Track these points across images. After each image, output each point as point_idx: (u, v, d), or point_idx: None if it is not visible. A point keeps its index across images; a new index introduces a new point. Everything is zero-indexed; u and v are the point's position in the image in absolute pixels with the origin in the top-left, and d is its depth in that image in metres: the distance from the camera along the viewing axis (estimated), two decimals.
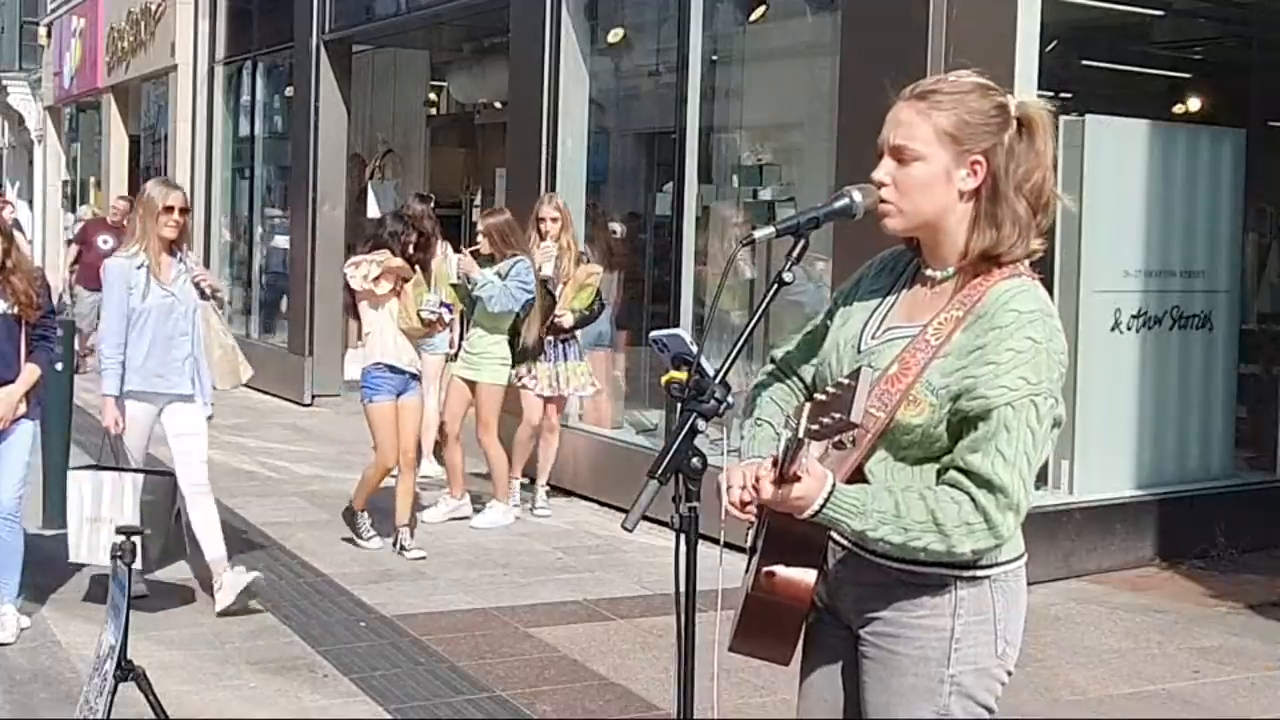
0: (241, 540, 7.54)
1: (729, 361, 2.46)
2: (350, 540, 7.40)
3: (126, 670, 3.95)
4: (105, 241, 14.17)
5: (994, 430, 2.29)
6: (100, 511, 5.90)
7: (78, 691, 4.47)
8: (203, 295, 6.24)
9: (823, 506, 2.29)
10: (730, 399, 2.43)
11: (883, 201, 2.43)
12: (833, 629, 2.56)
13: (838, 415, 2.23)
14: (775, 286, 2.50)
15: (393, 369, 7.15)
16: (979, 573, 2.40)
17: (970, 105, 2.39)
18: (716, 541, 2.50)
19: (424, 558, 7.14)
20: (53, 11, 24.19)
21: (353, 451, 10.46)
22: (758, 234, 2.52)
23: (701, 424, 2.37)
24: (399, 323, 7.18)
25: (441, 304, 7.55)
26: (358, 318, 7.46)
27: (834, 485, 2.30)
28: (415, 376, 7.29)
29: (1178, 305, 7.65)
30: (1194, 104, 10.02)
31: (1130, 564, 7.25)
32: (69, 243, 16.93)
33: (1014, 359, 2.30)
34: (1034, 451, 2.30)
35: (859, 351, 2.49)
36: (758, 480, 2.32)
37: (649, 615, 6.21)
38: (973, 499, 2.29)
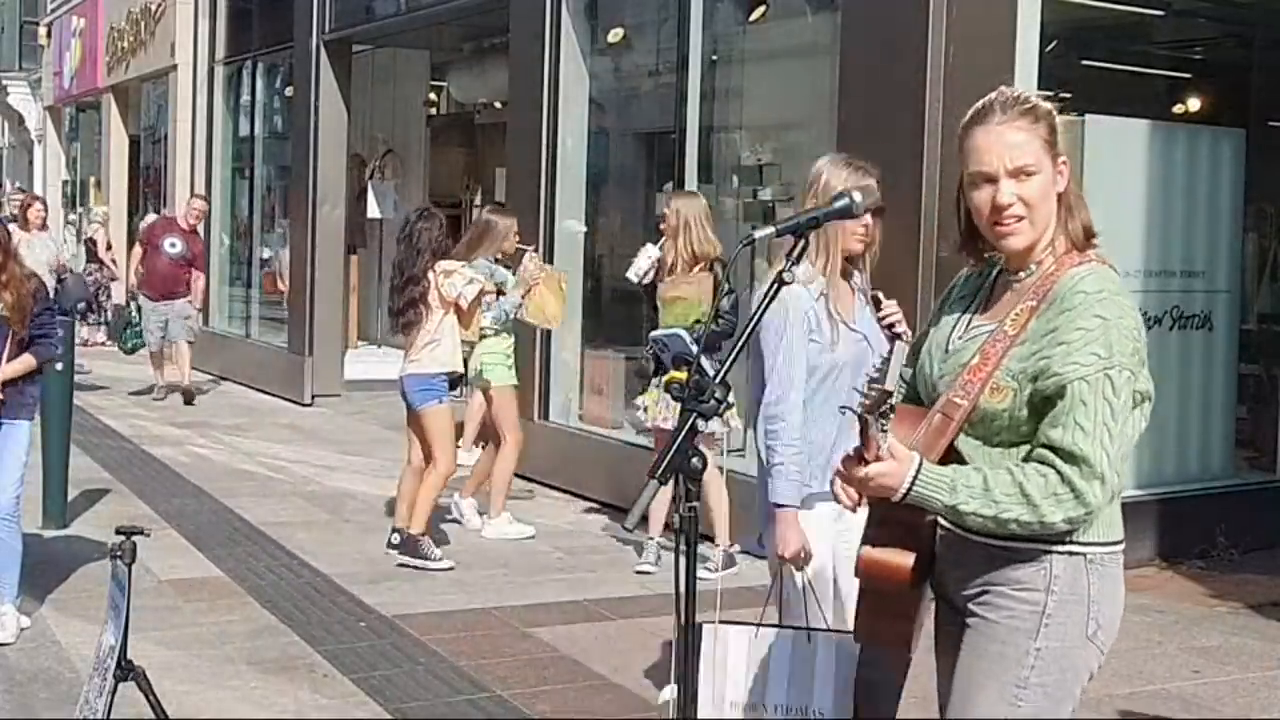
0: (242, 540, 7.56)
1: (729, 361, 2.47)
2: (407, 564, 6.94)
3: (126, 670, 3.95)
4: (173, 245, 12.64)
5: (1071, 405, 2.39)
6: (764, 693, 3.49)
7: (78, 691, 4.47)
8: (895, 338, 3.94)
9: (912, 485, 2.40)
10: (730, 399, 2.45)
11: (1011, 220, 2.50)
12: (949, 618, 2.66)
13: (877, 388, 2.36)
14: (775, 286, 2.52)
15: (447, 375, 7.03)
16: (1075, 549, 2.49)
17: (1044, 111, 2.57)
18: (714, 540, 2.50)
19: (453, 567, 6.98)
20: (53, 11, 24.20)
21: (353, 451, 10.48)
22: (758, 234, 2.55)
23: (701, 424, 2.38)
24: (458, 331, 7.04)
25: (651, 335, 7.19)
26: (408, 324, 7.03)
27: (920, 464, 2.41)
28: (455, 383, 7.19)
29: (1178, 305, 7.65)
30: (1194, 104, 10.01)
31: (1130, 564, 7.17)
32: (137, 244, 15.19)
33: (1084, 337, 2.41)
34: (1114, 423, 2.40)
35: (947, 351, 2.62)
36: (842, 466, 2.46)
37: (649, 615, 6.20)
38: (1058, 471, 2.39)
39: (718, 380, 2.40)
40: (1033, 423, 2.46)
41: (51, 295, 11.62)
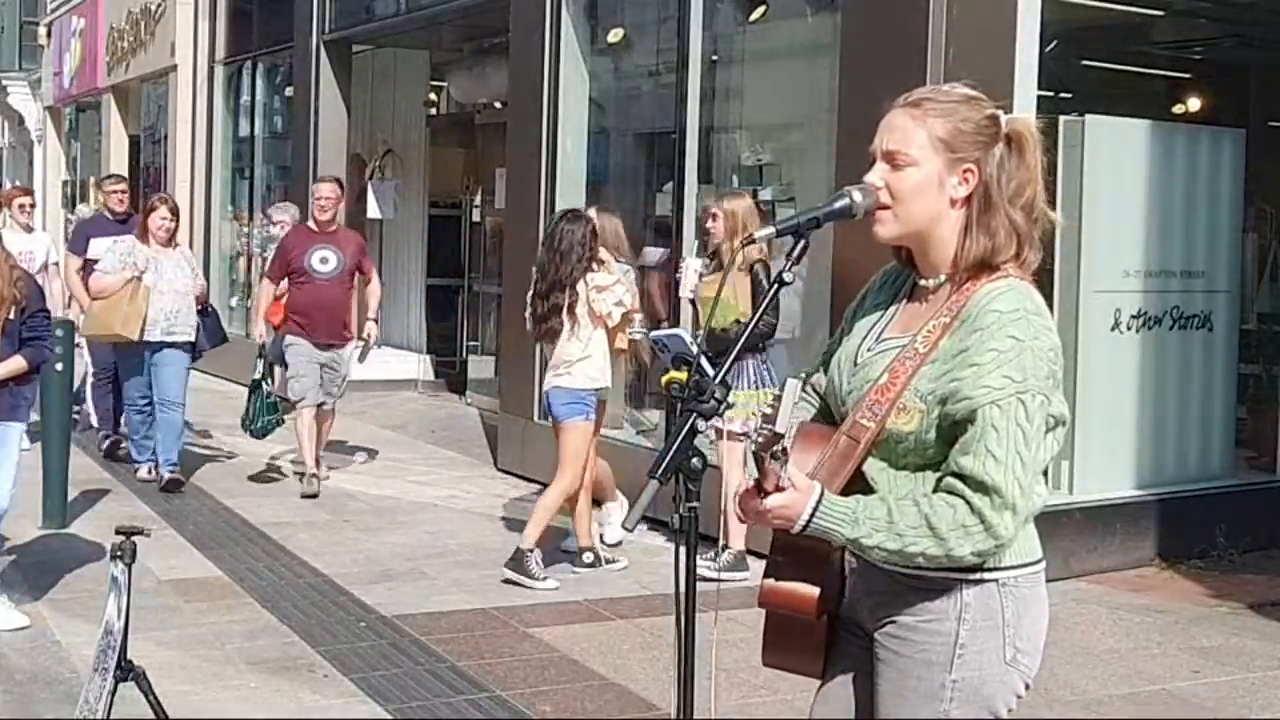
0: (242, 540, 7.56)
1: (729, 362, 2.47)
2: (516, 583, 6.68)
3: (126, 670, 3.95)
4: (324, 261, 8.89)
5: (982, 431, 2.29)
6: None
7: (78, 691, 4.47)
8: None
9: (812, 517, 2.31)
10: (730, 399, 2.44)
11: (876, 207, 2.44)
12: (853, 638, 2.57)
13: (768, 428, 2.26)
14: (775, 286, 2.52)
15: (596, 392, 6.78)
16: (986, 576, 2.40)
17: (963, 114, 2.42)
18: (716, 541, 2.50)
19: (624, 565, 6.97)
20: (53, 11, 24.20)
21: (353, 451, 10.47)
22: (758, 234, 2.54)
23: (701, 424, 2.38)
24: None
25: (651, 335, 6.92)
26: (551, 332, 6.82)
27: (822, 495, 2.32)
28: None
29: (1178, 305, 7.65)
30: (1194, 104, 10.01)
31: (1130, 564, 7.24)
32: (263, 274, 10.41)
33: (997, 359, 2.30)
34: (1027, 450, 2.29)
35: (855, 364, 2.52)
36: (743, 497, 2.36)
37: (649, 615, 6.21)
38: (967, 502, 2.29)
39: (717, 380, 2.39)
40: (940, 446, 2.35)
41: (194, 332, 8.68)
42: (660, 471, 2.32)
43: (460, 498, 8.91)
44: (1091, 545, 7.10)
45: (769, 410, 2.32)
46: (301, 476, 8.92)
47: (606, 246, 7.08)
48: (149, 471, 8.84)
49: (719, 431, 6.65)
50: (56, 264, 10.11)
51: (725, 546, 6.70)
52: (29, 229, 10.36)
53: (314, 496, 8.65)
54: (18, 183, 21.60)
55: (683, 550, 2.40)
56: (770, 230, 2.52)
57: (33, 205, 10.55)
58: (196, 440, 10.52)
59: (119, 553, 3.96)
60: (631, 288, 6.95)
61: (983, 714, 2.42)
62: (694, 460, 2.36)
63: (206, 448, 10.31)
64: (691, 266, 7.10)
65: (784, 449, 2.29)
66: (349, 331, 9.10)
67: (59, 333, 6.95)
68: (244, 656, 5.55)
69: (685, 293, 7.09)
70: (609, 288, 6.71)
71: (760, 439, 2.27)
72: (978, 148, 2.41)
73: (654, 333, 6.89)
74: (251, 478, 9.31)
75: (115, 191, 10.13)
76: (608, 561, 7.02)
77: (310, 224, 9.13)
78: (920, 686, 2.42)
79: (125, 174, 14.36)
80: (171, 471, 8.67)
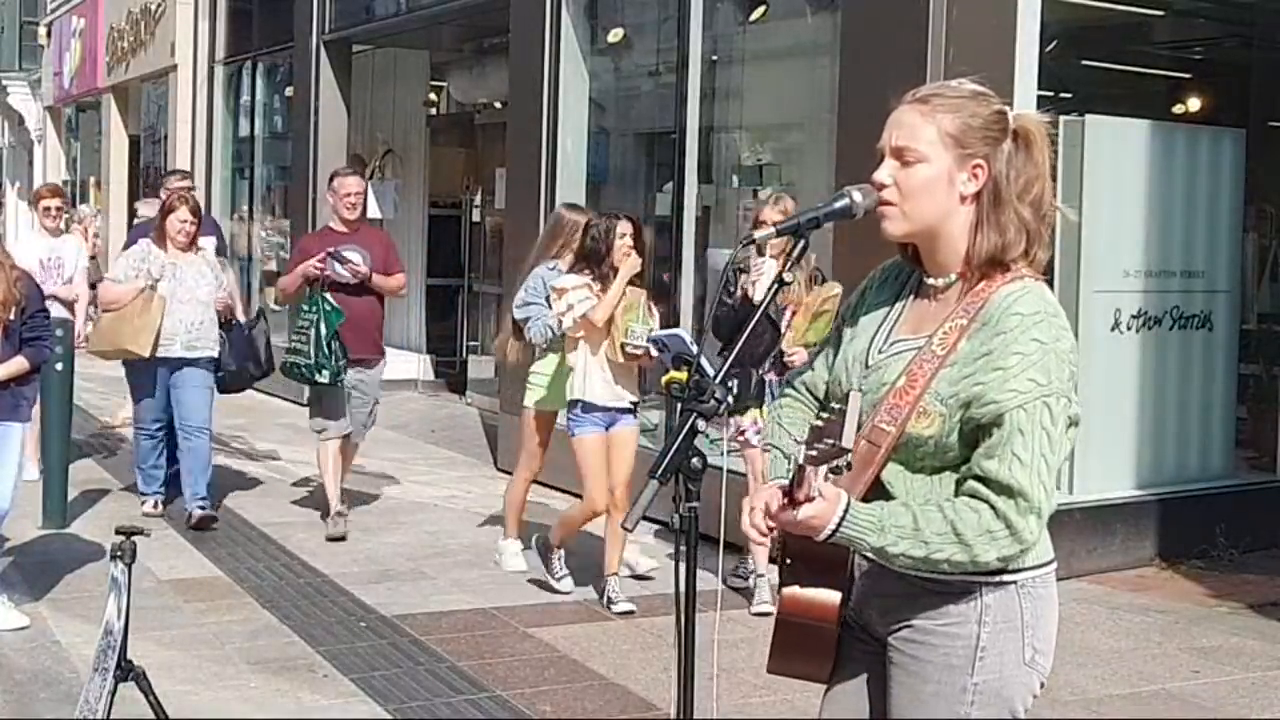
0: (242, 540, 7.55)
1: (729, 362, 2.47)
2: (542, 582, 6.65)
3: (126, 670, 3.96)
4: (347, 264, 7.69)
5: (1008, 435, 2.29)
6: None
7: (78, 691, 4.47)
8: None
9: (839, 526, 2.29)
10: (730, 399, 2.44)
11: (884, 204, 2.43)
12: (861, 641, 2.56)
13: (830, 441, 2.24)
14: (775, 287, 2.52)
15: (594, 407, 6.29)
16: (1005, 578, 2.40)
17: (972, 110, 2.41)
18: (717, 542, 2.50)
19: (633, 611, 6.25)
20: (53, 11, 24.22)
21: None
22: (758, 234, 2.55)
23: (701, 424, 2.38)
24: (606, 353, 6.25)
25: (651, 335, 6.25)
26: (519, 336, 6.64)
27: (849, 504, 2.30)
28: (629, 409, 6.38)
29: (1178, 305, 7.65)
30: (1194, 104, 10.01)
31: (1130, 564, 7.24)
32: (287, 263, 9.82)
33: (1021, 362, 2.30)
34: (1051, 453, 2.31)
35: (867, 366, 2.49)
36: (771, 507, 2.34)
37: (649, 615, 6.20)
38: (992, 506, 2.29)
39: (718, 380, 2.39)
40: (960, 449, 2.35)
41: (217, 349, 7.79)
42: (660, 471, 2.33)
43: (460, 498, 8.91)
44: (1091, 545, 7.10)
45: (820, 424, 2.30)
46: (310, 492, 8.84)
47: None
48: (154, 506, 7.95)
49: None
50: (87, 270, 9.34)
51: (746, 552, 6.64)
52: (58, 233, 9.28)
53: (341, 539, 7.57)
54: (18, 178, 21.58)
55: (683, 550, 2.40)
56: (771, 230, 2.53)
57: (60, 208, 9.29)
58: None
59: (119, 553, 3.96)
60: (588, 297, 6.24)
61: (1003, 714, 2.42)
62: (694, 460, 2.36)
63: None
64: (769, 270, 6.23)
65: (849, 464, 2.29)
66: (379, 346, 8.01)
67: (59, 333, 6.95)
68: (244, 656, 5.55)
69: (761, 296, 6.28)
70: (569, 290, 6.22)
71: (815, 453, 2.24)
72: (986, 144, 2.39)
73: (654, 333, 6.87)
74: (293, 503, 8.64)
75: (180, 190, 8.62)
76: (558, 576, 6.58)
77: (333, 224, 7.99)
78: (941, 690, 2.41)
79: (187, 170, 13.12)
80: (202, 508, 7.70)
